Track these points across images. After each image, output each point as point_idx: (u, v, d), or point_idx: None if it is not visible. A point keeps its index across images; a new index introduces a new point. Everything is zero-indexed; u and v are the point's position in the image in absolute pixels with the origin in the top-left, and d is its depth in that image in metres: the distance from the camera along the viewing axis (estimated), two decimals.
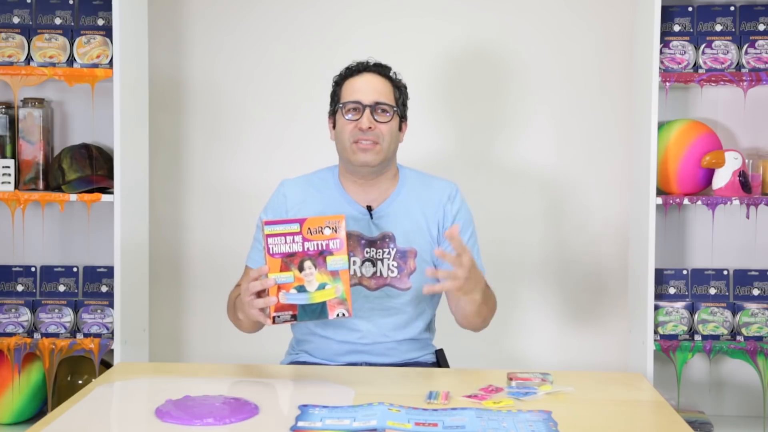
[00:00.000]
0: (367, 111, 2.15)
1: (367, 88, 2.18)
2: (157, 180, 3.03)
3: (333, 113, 2.24)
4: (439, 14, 3.02)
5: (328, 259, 1.87)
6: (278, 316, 1.85)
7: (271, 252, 1.84)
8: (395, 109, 2.19)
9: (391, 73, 2.24)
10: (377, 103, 2.17)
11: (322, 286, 1.86)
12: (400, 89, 2.24)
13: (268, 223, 1.85)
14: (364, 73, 2.21)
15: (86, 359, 2.77)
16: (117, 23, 2.65)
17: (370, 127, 2.14)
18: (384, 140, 2.16)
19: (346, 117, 2.17)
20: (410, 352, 2.26)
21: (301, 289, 1.85)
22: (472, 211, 2.29)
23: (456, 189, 2.27)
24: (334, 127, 2.24)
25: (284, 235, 1.84)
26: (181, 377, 2.04)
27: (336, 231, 1.87)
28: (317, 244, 1.86)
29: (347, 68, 2.25)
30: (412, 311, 2.23)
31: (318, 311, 1.87)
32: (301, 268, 1.85)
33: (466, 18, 3.02)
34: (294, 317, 1.85)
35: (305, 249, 1.85)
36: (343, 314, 1.88)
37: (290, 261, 1.85)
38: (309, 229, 1.86)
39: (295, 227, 1.85)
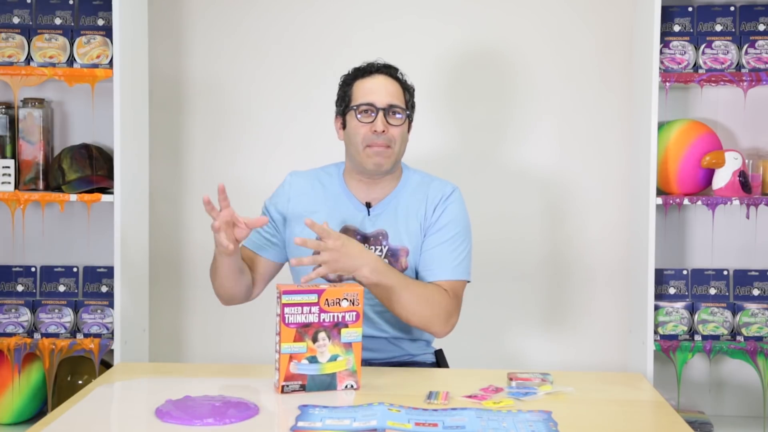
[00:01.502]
0: (381, 114, 2.16)
1: (380, 90, 2.18)
2: (157, 180, 3.03)
3: (342, 113, 2.23)
4: (440, 15, 3.02)
5: (343, 331, 1.86)
6: (287, 386, 1.84)
7: (286, 321, 1.82)
8: (407, 112, 2.20)
9: (399, 74, 2.24)
10: (391, 106, 2.17)
11: (333, 358, 1.86)
12: (409, 91, 2.25)
13: (285, 291, 1.83)
14: (376, 74, 2.21)
15: (86, 359, 2.77)
16: (117, 23, 2.65)
17: (383, 131, 2.14)
18: (396, 144, 2.17)
19: (359, 119, 2.17)
20: (409, 348, 2.27)
21: (312, 359, 1.85)
22: (467, 212, 2.27)
23: (451, 190, 2.25)
24: (343, 127, 2.23)
25: (301, 305, 1.83)
26: (181, 377, 2.04)
27: (354, 303, 1.86)
28: (333, 316, 1.85)
29: (357, 69, 2.24)
30: None
31: (327, 382, 1.86)
32: (314, 339, 1.84)
33: (467, 19, 3.02)
34: (303, 387, 1.85)
35: (321, 320, 1.84)
36: (352, 386, 1.88)
37: (305, 332, 1.84)
38: (327, 300, 1.84)
39: (313, 298, 1.84)
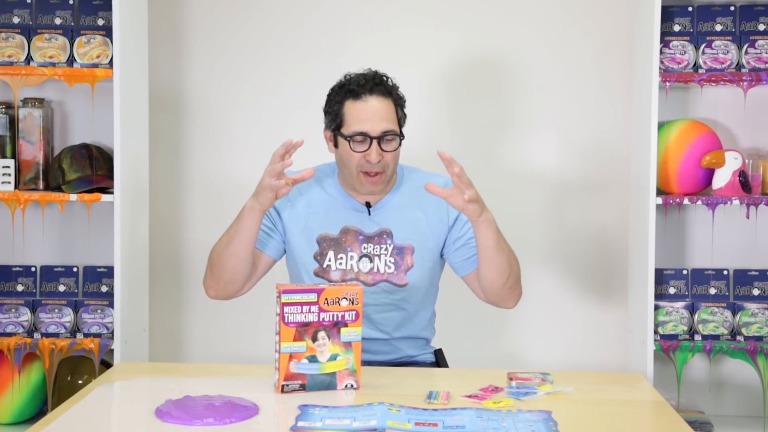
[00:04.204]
0: (375, 143, 2.12)
1: (374, 117, 2.13)
2: (157, 180, 3.03)
3: (333, 130, 2.19)
4: (442, 20, 3.01)
5: (342, 330, 1.86)
6: (287, 385, 1.84)
7: (286, 321, 1.82)
8: (400, 135, 2.16)
9: (390, 84, 2.18)
10: (385, 133, 2.13)
11: (333, 357, 1.86)
12: (401, 106, 2.20)
13: (285, 291, 1.83)
14: (368, 97, 2.14)
15: (86, 359, 2.77)
16: (117, 23, 2.65)
17: (378, 161, 2.12)
18: (389, 167, 2.16)
19: (354, 148, 2.13)
20: (408, 349, 2.27)
21: (312, 359, 1.85)
22: None
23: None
24: (335, 144, 2.19)
25: (300, 304, 1.83)
26: (181, 377, 2.04)
27: (353, 303, 1.86)
28: (333, 315, 1.85)
29: (348, 89, 2.16)
30: (410, 308, 2.24)
31: (327, 382, 1.86)
32: (314, 338, 1.84)
33: (467, 23, 3.01)
34: (303, 387, 1.85)
35: (320, 319, 1.84)
36: (352, 385, 1.88)
37: (304, 331, 1.84)
38: (326, 299, 1.84)
39: (312, 297, 1.84)
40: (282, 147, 2.01)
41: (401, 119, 2.20)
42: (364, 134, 2.12)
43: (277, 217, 2.24)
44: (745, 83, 2.76)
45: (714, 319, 2.74)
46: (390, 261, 2.19)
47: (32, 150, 2.80)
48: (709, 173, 2.76)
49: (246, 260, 2.14)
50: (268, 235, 2.23)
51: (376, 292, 2.19)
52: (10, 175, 2.74)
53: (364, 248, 2.19)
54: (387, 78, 2.20)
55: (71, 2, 2.80)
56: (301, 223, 2.22)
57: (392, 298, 2.21)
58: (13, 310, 2.74)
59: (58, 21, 2.79)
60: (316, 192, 2.24)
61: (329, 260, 2.19)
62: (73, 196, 2.70)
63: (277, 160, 2.01)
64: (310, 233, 2.21)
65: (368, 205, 2.22)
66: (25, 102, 2.81)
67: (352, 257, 2.19)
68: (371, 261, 2.19)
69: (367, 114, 2.13)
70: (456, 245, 2.22)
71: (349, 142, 2.13)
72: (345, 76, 2.21)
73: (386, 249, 2.20)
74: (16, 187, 2.76)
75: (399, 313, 2.23)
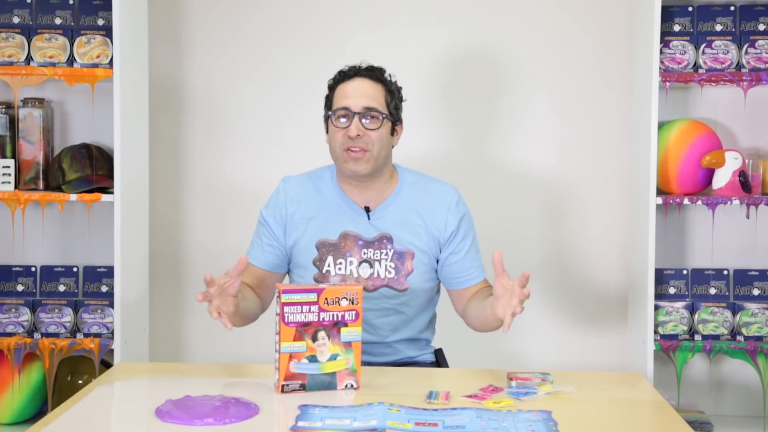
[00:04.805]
0: (356, 118, 2.12)
1: (357, 94, 2.15)
2: (157, 180, 3.03)
3: (326, 118, 2.23)
4: (442, 21, 3.01)
5: (342, 330, 1.86)
6: (287, 385, 1.84)
7: (286, 321, 1.82)
8: (385, 115, 2.16)
9: (385, 75, 2.20)
10: (368, 109, 2.13)
11: (333, 357, 1.86)
12: (392, 93, 2.20)
13: (285, 291, 1.83)
14: (356, 77, 2.18)
15: (86, 359, 2.77)
16: (117, 23, 2.65)
17: (359, 135, 2.12)
18: (374, 147, 2.13)
19: (336, 124, 2.15)
20: (408, 350, 2.26)
21: (312, 359, 1.85)
22: (471, 212, 2.29)
23: (457, 193, 2.25)
24: (327, 131, 2.22)
25: (300, 304, 1.83)
26: (181, 377, 2.04)
27: (353, 302, 1.86)
28: (333, 315, 1.85)
29: (340, 72, 2.21)
30: (411, 312, 2.23)
31: (327, 382, 1.86)
32: (314, 338, 1.85)
33: (467, 23, 3.01)
34: (303, 387, 1.85)
35: (321, 319, 1.84)
36: (352, 385, 1.88)
37: (304, 331, 1.84)
38: (326, 299, 1.85)
39: (312, 297, 1.84)
40: (201, 295, 1.87)
41: (391, 105, 2.19)
42: (345, 109, 2.14)
43: (281, 230, 2.22)
44: (745, 83, 2.76)
45: (714, 319, 2.74)
46: (390, 266, 2.19)
47: (32, 150, 2.80)
48: (709, 173, 2.76)
49: (247, 314, 2.13)
50: (275, 255, 2.22)
51: (377, 297, 2.18)
52: (10, 175, 2.74)
53: (364, 253, 2.18)
54: (384, 71, 2.21)
55: (71, 2, 2.80)
56: (301, 229, 2.21)
57: (392, 303, 2.20)
58: (13, 310, 2.74)
59: (58, 21, 2.79)
60: (314, 197, 2.23)
61: (328, 266, 2.18)
62: (73, 196, 2.70)
63: (210, 299, 1.88)
64: (309, 239, 2.20)
65: (367, 209, 2.21)
66: (25, 102, 2.81)
67: (351, 262, 2.18)
68: (371, 266, 2.18)
69: (351, 91, 2.16)
70: (447, 262, 2.22)
71: (331, 118, 2.15)
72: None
73: (386, 254, 2.18)
74: (16, 187, 2.76)
75: (398, 317, 2.22)
